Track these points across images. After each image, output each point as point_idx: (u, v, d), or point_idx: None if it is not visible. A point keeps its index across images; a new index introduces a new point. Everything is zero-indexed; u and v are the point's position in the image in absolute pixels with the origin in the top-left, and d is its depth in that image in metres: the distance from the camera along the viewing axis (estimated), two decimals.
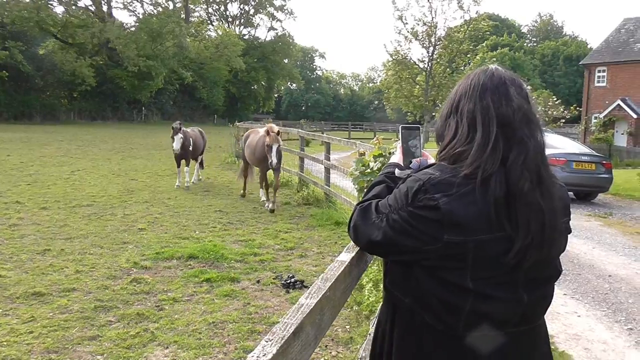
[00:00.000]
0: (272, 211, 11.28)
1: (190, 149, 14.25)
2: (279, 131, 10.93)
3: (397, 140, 2.63)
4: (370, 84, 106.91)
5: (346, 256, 1.93)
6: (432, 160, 2.15)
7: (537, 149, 1.63)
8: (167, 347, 4.93)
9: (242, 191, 13.21)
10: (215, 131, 42.39)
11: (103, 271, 6.94)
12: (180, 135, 13.45)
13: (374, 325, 3.02)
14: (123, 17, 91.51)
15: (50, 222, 9.43)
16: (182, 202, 12.12)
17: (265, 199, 12.14)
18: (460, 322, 1.61)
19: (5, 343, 4.79)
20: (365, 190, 2.73)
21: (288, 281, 6.93)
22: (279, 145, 10.90)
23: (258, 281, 6.92)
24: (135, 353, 4.76)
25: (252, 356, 1.11)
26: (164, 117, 58.36)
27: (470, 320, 1.61)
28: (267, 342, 1.18)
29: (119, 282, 6.60)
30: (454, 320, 1.62)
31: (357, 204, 1.91)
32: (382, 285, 2.03)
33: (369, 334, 2.80)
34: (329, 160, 12.39)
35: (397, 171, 2.13)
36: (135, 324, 5.40)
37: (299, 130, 16.36)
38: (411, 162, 2.13)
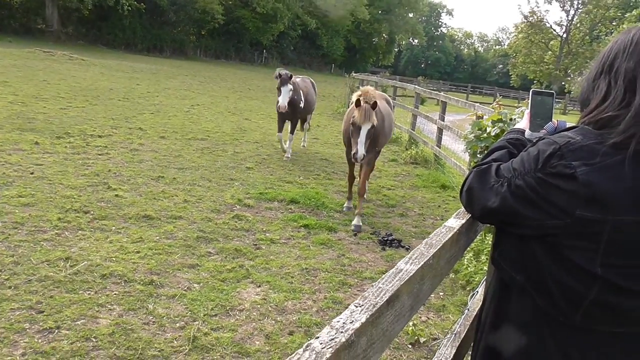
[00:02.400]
0: (355, 233, 6.94)
1: (301, 105, 10.74)
2: (375, 102, 6.63)
3: (519, 107, 2.36)
4: (497, 47, 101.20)
5: (455, 222, 1.72)
6: None
7: None
8: (260, 286, 5.01)
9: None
10: (331, 80, 42.52)
11: (209, 204, 7.19)
12: (289, 86, 10.08)
13: (472, 298, 2.80)
14: None
15: (166, 151, 9.92)
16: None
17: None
18: (579, 312, 1.39)
19: (114, 259, 5.11)
20: (479, 156, 2.48)
21: (385, 238, 6.78)
22: (372, 127, 6.65)
23: (355, 234, 6.84)
24: (229, 287, 4.89)
25: (339, 321, 0.96)
26: (284, 61, 59.22)
27: (591, 311, 1.38)
28: (356, 307, 1.02)
29: (221, 217, 6.81)
30: (572, 308, 1.39)
31: (474, 167, 1.68)
32: (487, 257, 1.81)
33: (467, 309, 2.59)
34: (443, 120, 11.88)
35: (527, 132, 1.86)
36: (232, 259, 5.54)
37: (416, 86, 15.79)
38: (539, 125, 1.86)
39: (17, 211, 5.95)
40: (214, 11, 49.95)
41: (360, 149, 6.48)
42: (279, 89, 10.02)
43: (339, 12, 61.51)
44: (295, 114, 10.71)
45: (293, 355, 0.83)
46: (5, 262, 4.72)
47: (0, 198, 6.27)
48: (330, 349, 0.84)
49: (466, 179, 1.68)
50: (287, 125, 10.87)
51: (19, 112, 11.47)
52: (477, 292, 2.77)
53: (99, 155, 8.99)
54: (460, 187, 1.74)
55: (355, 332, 0.93)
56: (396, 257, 6.24)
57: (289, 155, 10.82)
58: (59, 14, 44.74)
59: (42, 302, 4.16)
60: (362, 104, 6.57)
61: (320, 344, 0.86)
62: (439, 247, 1.45)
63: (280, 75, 10.03)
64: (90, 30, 46.70)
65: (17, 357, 3.45)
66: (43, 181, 7.10)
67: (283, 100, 9.93)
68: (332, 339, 0.88)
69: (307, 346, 0.85)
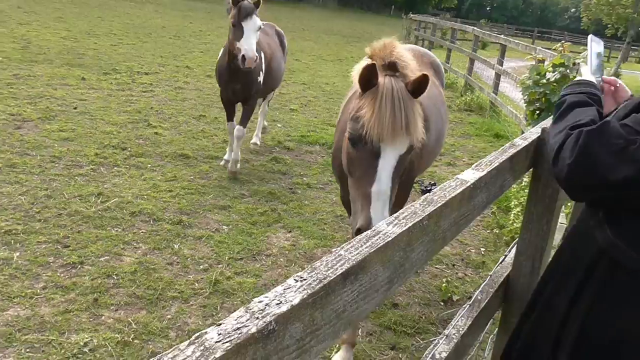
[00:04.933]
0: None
1: (260, 78, 5.92)
2: (424, 76, 2.27)
3: (586, 51, 2.06)
4: None
5: (472, 175, 1.43)
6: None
7: None
8: (290, 232, 4.86)
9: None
10: (390, 22, 41.10)
11: (248, 144, 7.03)
12: (257, 21, 5.35)
13: (500, 263, 2.51)
14: None
15: (210, 90, 9.77)
16: (339, 88, 11.85)
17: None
18: None
19: (145, 197, 5.06)
20: (537, 104, 2.19)
21: (428, 187, 6.47)
22: (410, 149, 2.34)
23: None
24: (259, 231, 4.76)
25: (261, 301, 0.73)
26: (340, 2, 57.54)
27: None
28: (295, 281, 0.79)
29: (260, 158, 6.65)
30: None
31: (572, 128, 1.40)
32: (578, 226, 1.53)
33: (490, 275, 2.31)
34: (501, 65, 11.14)
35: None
36: (265, 202, 5.40)
37: (474, 28, 14.87)
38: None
39: (56, 145, 5.97)
40: None
41: (377, 214, 2.18)
42: (236, 26, 5.22)
43: None
44: (250, 89, 5.74)
45: (172, 349, 0.60)
46: (38, 195, 4.74)
47: (42, 131, 6.31)
48: (227, 345, 0.61)
49: (562, 144, 1.39)
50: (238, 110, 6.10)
51: (69, 48, 11.54)
52: (505, 257, 2.47)
53: (143, 92, 8.94)
54: (554, 154, 1.44)
55: (279, 318, 0.70)
56: None
57: (237, 167, 5.95)
58: None
59: (69, 236, 4.15)
60: (382, 81, 2.28)
61: (218, 334, 0.63)
62: (440, 204, 1.18)
63: (238, 4, 5.22)
64: None
65: (38, 290, 3.45)
66: (85, 116, 7.11)
67: (249, 45, 5.12)
68: (238, 329, 0.65)
69: (197, 337, 0.62)
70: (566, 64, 6.56)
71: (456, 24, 18.06)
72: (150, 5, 25.71)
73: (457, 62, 16.55)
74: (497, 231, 5.45)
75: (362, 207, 2.14)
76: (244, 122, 5.89)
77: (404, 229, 1.02)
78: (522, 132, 8.10)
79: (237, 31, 5.20)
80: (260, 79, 5.87)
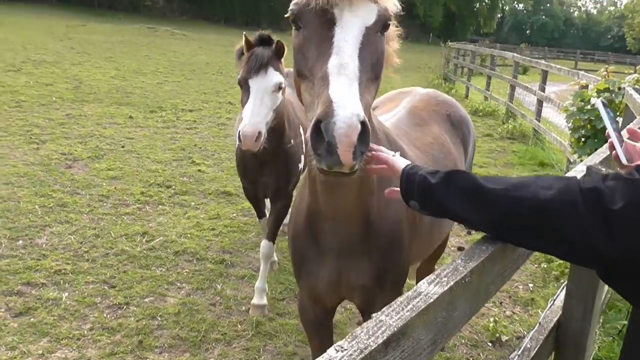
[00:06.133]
0: None
1: (301, 159, 4.14)
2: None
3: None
4: (612, 7, 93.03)
5: None
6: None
7: None
8: None
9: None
10: (428, 50, 41.16)
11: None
12: (274, 78, 3.45)
13: (548, 308, 2.40)
14: None
15: None
16: None
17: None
18: None
19: (189, 235, 5.13)
20: (582, 132, 2.02)
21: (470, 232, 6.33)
22: None
23: None
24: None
25: None
26: None
27: None
28: (336, 351, 0.77)
29: None
30: None
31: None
32: None
33: (539, 322, 2.22)
34: (543, 91, 10.95)
35: (622, 157, 1.52)
36: None
37: (514, 54, 14.71)
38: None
39: (104, 184, 6.16)
40: None
41: (340, 92, 1.37)
42: (241, 84, 3.53)
43: None
44: (284, 181, 4.09)
45: None
46: (87, 235, 4.88)
47: (91, 170, 6.53)
48: None
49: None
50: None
51: (118, 87, 12.01)
52: (555, 299, 2.38)
53: (187, 129, 9.17)
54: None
55: None
56: None
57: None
58: None
59: (116, 276, 4.24)
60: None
61: None
62: (482, 258, 1.15)
63: (250, 46, 3.55)
64: (192, 5, 48.47)
65: (85, 332, 3.52)
66: (132, 154, 7.34)
67: (250, 115, 3.32)
68: None
69: None
70: (611, 88, 6.39)
71: (495, 51, 17.91)
72: (195, 42, 26.60)
73: (498, 89, 16.37)
74: (545, 265, 5.27)
75: (319, 94, 1.39)
76: (272, 233, 4.08)
77: (445, 288, 1.00)
78: (568, 161, 7.89)
79: (244, 93, 3.46)
80: (302, 164, 4.05)
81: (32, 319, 3.57)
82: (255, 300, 3.99)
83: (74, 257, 4.45)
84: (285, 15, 1.60)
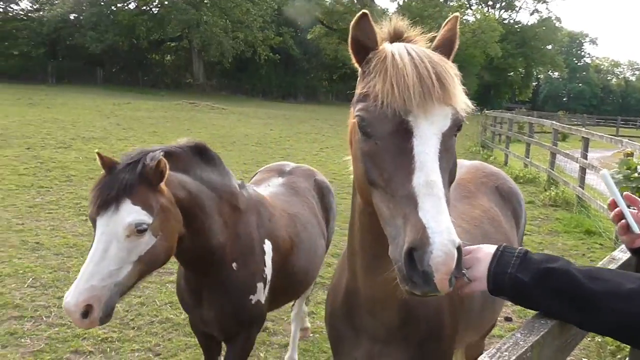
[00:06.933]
0: None
1: (257, 290, 2.96)
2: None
3: None
4: None
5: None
6: None
7: None
8: None
9: None
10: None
11: (334, 250, 7.08)
12: (114, 224, 2.32)
13: None
14: (384, 3, 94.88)
15: None
16: None
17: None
18: None
19: None
20: None
21: None
22: None
23: None
24: None
25: None
26: None
27: None
28: None
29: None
30: None
31: None
32: None
33: None
34: (585, 158, 10.84)
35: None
36: None
37: (553, 122, 14.73)
38: None
39: None
40: (344, 58, 51.57)
41: (432, 216, 1.34)
42: (93, 226, 2.42)
43: (469, 49, 60.32)
44: (232, 318, 2.93)
45: None
46: (133, 303, 4.96)
47: None
48: None
49: None
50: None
51: None
52: None
53: None
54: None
55: None
56: (530, 312, 5.62)
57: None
58: (204, 68, 49.07)
59: (160, 344, 4.27)
60: (389, 47, 1.57)
61: None
62: (543, 332, 1.15)
63: (109, 166, 2.52)
64: (231, 81, 50.72)
65: None
66: None
67: (81, 282, 2.30)
68: None
69: None
70: None
71: (533, 119, 17.97)
72: (234, 115, 27.55)
73: (538, 156, 16.28)
74: (599, 339, 5.05)
75: (406, 215, 1.33)
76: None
77: None
78: None
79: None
80: (258, 295, 2.93)
81: None
82: None
83: (120, 325, 4.52)
84: (352, 120, 1.55)
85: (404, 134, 1.42)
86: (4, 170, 10.05)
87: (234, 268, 2.80)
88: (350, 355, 2.05)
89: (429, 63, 1.46)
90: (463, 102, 1.52)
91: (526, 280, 1.29)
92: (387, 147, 1.43)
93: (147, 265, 2.37)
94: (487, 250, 1.43)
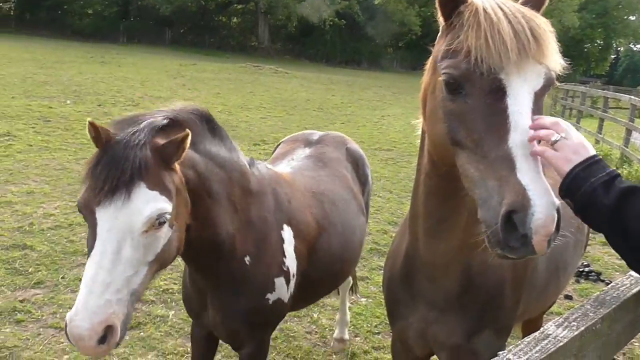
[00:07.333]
0: None
1: (275, 281, 2.47)
2: None
3: None
4: None
5: None
6: None
7: None
8: None
9: None
10: None
11: (386, 215, 7.07)
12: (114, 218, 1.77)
13: None
14: None
15: None
16: None
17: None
18: None
19: None
20: None
21: (581, 269, 5.97)
22: None
23: None
24: None
25: None
26: None
27: None
28: None
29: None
30: None
31: None
32: None
33: None
34: None
35: None
36: None
37: (632, 97, 13.89)
38: None
39: None
40: (411, 23, 50.28)
41: (533, 179, 1.29)
42: (86, 218, 1.91)
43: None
44: (227, 309, 2.44)
45: None
46: None
47: None
48: None
49: None
50: None
51: (224, 120, 12.65)
52: None
53: None
54: None
55: None
56: (592, 291, 5.43)
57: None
58: (269, 31, 49.17)
59: None
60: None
61: None
62: (614, 306, 1.09)
63: (105, 139, 1.84)
64: (296, 45, 50.62)
65: (188, 349, 3.66)
66: None
67: (90, 299, 1.72)
68: None
69: None
70: None
71: (609, 93, 17.02)
72: (296, 79, 27.58)
73: (610, 132, 15.48)
74: None
75: (502, 177, 1.27)
76: None
77: (575, 333, 0.96)
78: None
79: (89, 232, 1.95)
80: (278, 293, 2.48)
81: (142, 334, 3.79)
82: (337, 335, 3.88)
83: (180, 278, 4.68)
84: (439, 79, 1.46)
85: (497, 92, 1.35)
86: (77, 125, 10.51)
87: (247, 263, 2.32)
88: (406, 319, 2.05)
89: (522, 18, 1.38)
90: (556, 61, 1.44)
91: (605, 202, 1.23)
92: (478, 106, 1.36)
93: (161, 265, 1.88)
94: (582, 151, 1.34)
